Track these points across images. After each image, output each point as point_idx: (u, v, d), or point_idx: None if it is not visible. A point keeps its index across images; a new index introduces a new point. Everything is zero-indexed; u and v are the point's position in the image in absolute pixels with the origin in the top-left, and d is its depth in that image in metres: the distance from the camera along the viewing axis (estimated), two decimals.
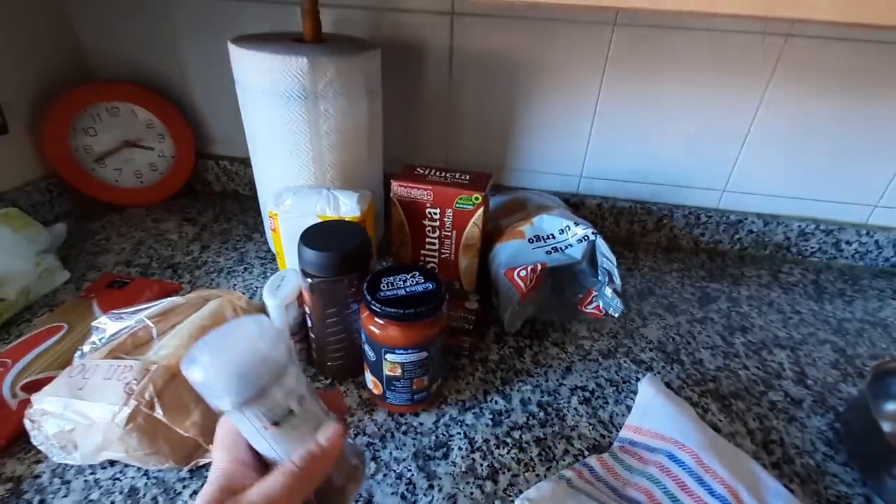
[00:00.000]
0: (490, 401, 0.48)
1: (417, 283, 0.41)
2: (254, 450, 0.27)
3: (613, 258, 0.50)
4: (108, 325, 0.44)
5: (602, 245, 0.50)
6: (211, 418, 0.38)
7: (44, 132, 0.70)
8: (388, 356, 0.41)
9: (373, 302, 0.39)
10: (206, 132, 0.81)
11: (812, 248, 0.74)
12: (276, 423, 0.26)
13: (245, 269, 0.65)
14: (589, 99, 0.69)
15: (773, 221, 0.73)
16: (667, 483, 0.37)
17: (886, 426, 0.45)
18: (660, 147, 0.71)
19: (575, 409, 0.48)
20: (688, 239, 0.77)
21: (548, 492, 0.38)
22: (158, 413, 0.36)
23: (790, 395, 0.51)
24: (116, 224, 0.74)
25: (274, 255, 0.68)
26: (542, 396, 0.49)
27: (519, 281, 0.48)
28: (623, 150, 0.72)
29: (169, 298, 0.45)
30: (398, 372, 0.42)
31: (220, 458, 0.27)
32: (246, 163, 0.81)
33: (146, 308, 0.45)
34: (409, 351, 0.40)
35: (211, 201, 0.82)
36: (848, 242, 0.73)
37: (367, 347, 0.42)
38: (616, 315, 0.50)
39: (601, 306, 0.50)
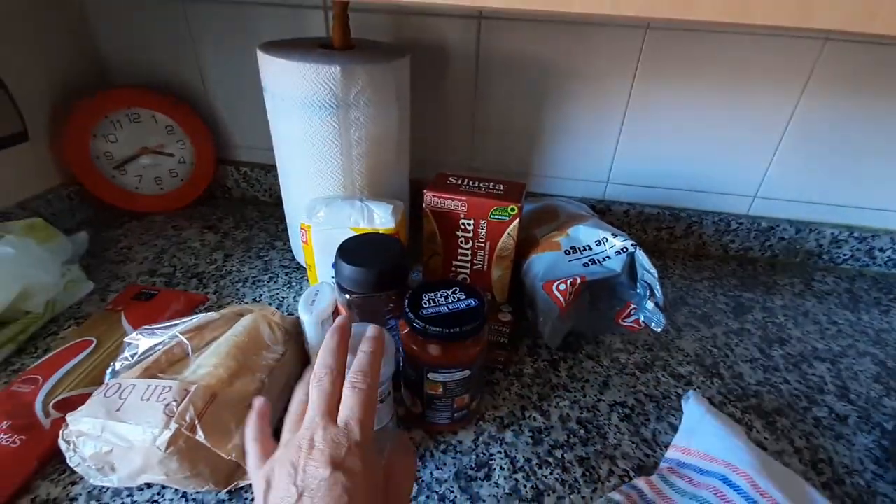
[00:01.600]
0: (528, 417, 0.47)
1: (459, 299, 0.40)
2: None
3: (655, 271, 0.48)
4: (140, 341, 0.43)
5: (643, 257, 0.49)
6: None
7: (64, 139, 0.69)
8: (431, 375, 0.40)
9: (415, 320, 0.38)
10: (227, 138, 0.80)
11: (845, 255, 0.73)
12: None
13: (270, 278, 0.64)
14: (618, 103, 0.67)
15: (805, 228, 0.71)
16: None
17: None
18: (689, 152, 0.69)
19: (616, 426, 0.46)
20: (717, 246, 0.75)
21: None
22: (200, 436, 0.35)
23: (834, 410, 0.50)
24: (137, 232, 0.73)
25: (298, 264, 0.67)
26: (582, 413, 0.48)
27: (558, 294, 0.47)
28: (651, 155, 0.71)
29: (203, 315, 0.44)
30: (440, 391, 0.41)
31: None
32: (266, 169, 0.80)
33: (179, 323, 0.44)
34: (453, 370, 0.39)
35: (231, 208, 0.81)
36: (881, 250, 0.71)
37: (406, 366, 0.41)
38: (659, 330, 0.49)
39: (641, 320, 0.49)
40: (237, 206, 0.82)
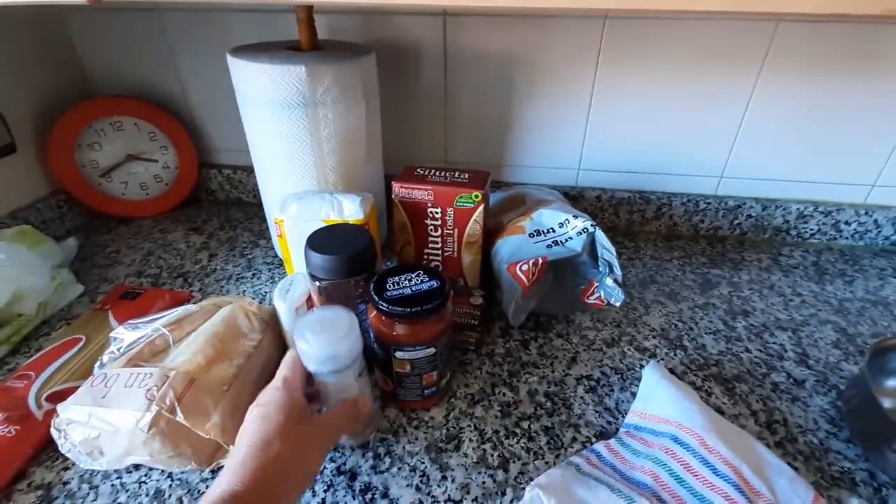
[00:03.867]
0: (498, 393, 0.49)
1: (422, 281, 0.43)
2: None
3: (613, 249, 0.51)
4: (125, 335, 0.46)
5: (602, 237, 0.51)
6: (230, 420, 0.40)
7: (50, 149, 0.72)
8: (398, 354, 0.42)
9: (380, 302, 0.41)
10: (208, 142, 0.82)
11: (811, 229, 0.75)
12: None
13: (253, 274, 0.67)
14: (584, 92, 0.69)
15: (771, 205, 0.74)
16: (672, 465, 0.38)
17: (886, 402, 0.46)
18: (656, 136, 0.72)
19: (581, 397, 0.49)
20: (687, 226, 0.77)
21: (557, 477, 0.39)
22: (180, 417, 0.38)
23: (793, 376, 0.52)
24: (125, 236, 0.76)
25: (281, 260, 0.69)
26: (549, 387, 0.50)
27: (521, 275, 0.49)
28: (620, 141, 0.73)
29: (182, 307, 0.47)
30: (408, 369, 0.43)
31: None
32: (248, 170, 0.83)
33: (161, 317, 0.46)
34: (418, 348, 0.42)
35: (216, 210, 0.83)
36: (847, 223, 0.73)
37: (376, 346, 0.44)
38: (618, 305, 0.51)
39: (603, 297, 0.52)
40: (222, 208, 0.84)
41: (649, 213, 0.77)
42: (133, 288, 0.61)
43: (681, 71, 0.66)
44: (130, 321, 0.47)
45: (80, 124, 0.72)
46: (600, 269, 0.51)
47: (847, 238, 0.75)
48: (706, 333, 0.57)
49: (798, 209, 0.73)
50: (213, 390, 0.40)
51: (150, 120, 0.76)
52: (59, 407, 0.40)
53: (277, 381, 0.36)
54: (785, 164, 0.72)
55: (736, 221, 0.76)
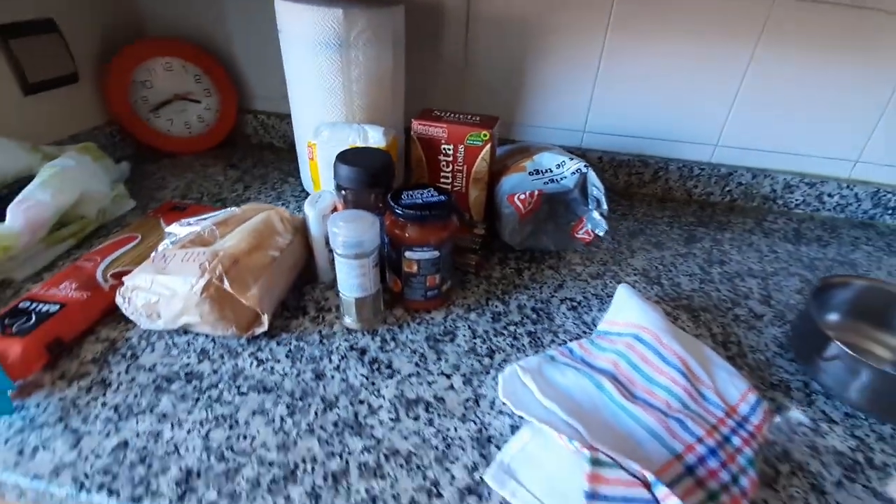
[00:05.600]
0: (491, 305, 0.57)
1: (432, 195, 0.50)
2: None
3: (602, 187, 0.57)
4: (178, 231, 0.54)
5: (593, 176, 0.58)
6: (266, 296, 0.48)
7: (108, 83, 0.80)
8: (407, 254, 0.50)
9: (395, 207, 0.48)
10: (248, 88, 0.90)
11: (797, 199, 0.80)
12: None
13: (283, 204, 0.75)
14: (592, 57, 0.75)
15: (760, 174, 0.79)
16: (630, 355, 0.46)
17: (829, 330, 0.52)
18: (657, 103, 0.78)
19: (563, 313, 0.56)
20: (682, 191, 0.83)
21: (534, 361, 0.46)
22: (226, 285, 0.46)
23: (754, 311, 0.58)
24: (170, 167, 0.84)
25: (307, 193, 0.77)
26: (536, 304, 0.57)
27: (518, 203, 0.56)
28: (623, 107, 0.79)
29: (228, 209, 0.55)
30: (414, 269, 0.51)
31: None
32: (281, 117, 0.90)
33: (210, 217, 0.54)
34: (424, 249, 0.49)
35: (250, 151, 0.92)
36: (830, 195, 0.79)
37: (389, 249, 0.51)
38: (602, 234, 0.58)
39: (590, 229, 0.58)
40: (255, 151, 0.92)
41: (647, 175, 0.83)
42: (180, 203, 0.69)
43: (683, 41, 0.72)
44: (183, 220, 0.55)
45: (135, 62, 0.81)
46: (590, 204, 0.58)
47: (829, 210, 0.80)
48: (683, 275, 0.64)
49: (785, 179, 0.79)
50: (252, 271, 0.48)
51: (198, 63, 0.84)
52: (126, 277, 0.49)
53: None
54: (776, 135, 0.77)
55: (727, 188, 0.82)
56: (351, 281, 0.47)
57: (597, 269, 0.64)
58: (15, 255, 0.55)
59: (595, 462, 0.33)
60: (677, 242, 0.71)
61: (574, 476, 0.36)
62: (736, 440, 0.40)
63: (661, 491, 0.33)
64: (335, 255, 0.47)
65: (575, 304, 0.58)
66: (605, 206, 0.57)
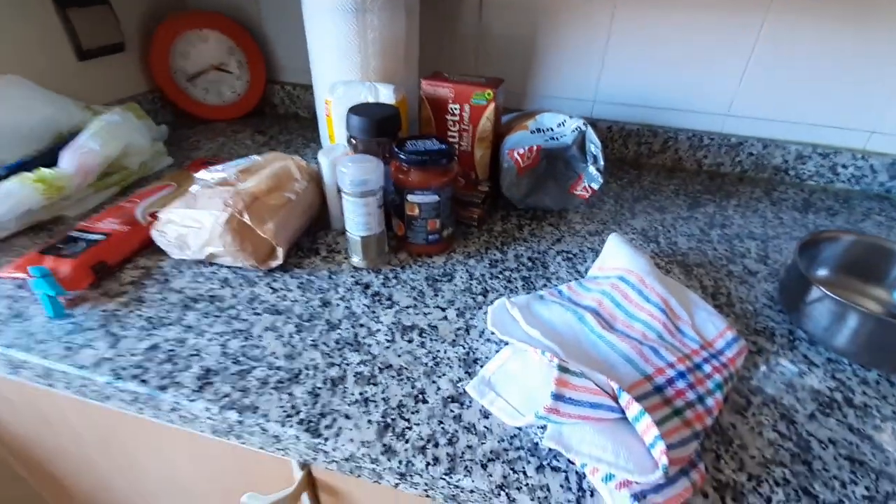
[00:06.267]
0: (490, 253, 0.60)
1: (434, 144, 0.54)
2: None
3: (599, 143, 0.60)
4: (207, 176, 0.60)
5: (591, 133, 0.60)
6: (280, 231, 0.53)
7: (151, 53, 0.87)
8: (410, 197, 0.54)
9: (400, 153, 0.52)
10: (275, 60, 0.96)
11: (809, 171, 0.80)
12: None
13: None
14: (602, 27, 0.77)
15: (771, 145, 0.79)
16: (614, 294, 0.48)
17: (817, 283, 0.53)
18: (667, 73, 0.79)
19: (558, 263, 0.59)
20: (691, 161, 0.84)
21: (523, 298, 0.50)
22: (246, 218, 0.51)
23: (749, 268, 0.60)
24: (204, 132, 0.91)
25: None
26: (533, 254, 0.60)
27: (518, 157, 0.59)
28: (633, 77, 0.80)
29: (251, 157, 0.61)
30: (416, 212, 0.55)
31: None
32: (306, 87, 0.96)
33: (235, 164, 0.60)
34: (426, 192, 0.53)
35: (277, 120, 0.98)
36: (844, 166, 0.78)
37: (394, 195, 0.55)
38: (597, 187, 0.60)
39: (587, 184, 0.61)
40: (282, 120, 0.98)
41: (656, 145, 0.84)
42: (211, 159, 0.76)
43: (694, 9, 0.72)
44: (211, 167, 0.61)
45: (176, 34, 0.88)
46: (587, 160, 0.61)
47: (843, 181, 0.79)
48: (681, 235, 0.65)
49: (797, 150, 0.78)
50: (269, 209, 0.54)
51: (231, 35, 0.90)
52: (160, 212, 0.55)
53: None
54: (788, 105, 0.77)
55: (737, 158, 0.82)
56: (357, 219, 0.52)
57: (596, 227, 0.66)
58: (68, 196, 0.62)
59: (563, 370, 0.36)
60: (680, 207, 0.73)
61: (547, 388, 0.39)
62: (707, 367, 0.42)
63: (625, 398, 0.36)
64: (343, 195, 0.51)
65: (570, 255, 0.60)
66: (601, 162, 0.59)
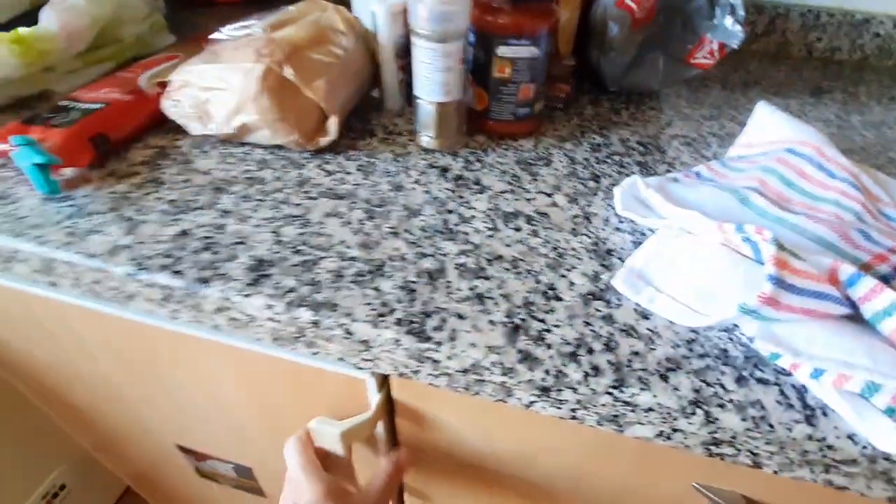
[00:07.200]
0: (588, 137, 0.48)
1: None
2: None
3: None
4: (229, 33, 0.46)
5: None
6: (332, 94, 0.41)
7: None
8: (500, 49, 0.41)
9: None
10: None
11: None
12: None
13: None
14: None
15: None
16: (783, 170, 0.37)
17: None
18: None
19: (677, 148, 0.47)
20: (801, 45, 0.70)
21: (654, 179, 0.38)
22: (288, 73, 0.39)
23: None
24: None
25: None
26: (642, 139, 0.48)
27: (632, 2, 0.46)
28: None
29: (282, 9, 0.47)
30: (507, 73, 0.42)
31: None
32: None
33: (264, 18, 0.46)
34: (522, 42, 0.40)
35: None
36: None
37: (475, 50, 0.42)
38: (737, 46, 0.47)
39: (713, 47, 0.48)
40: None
41: (760, 26, 0.70)
42: None
43: None
44: (235, 24, 0.47)
45: None
46: (718, 12, 0.47)
47: None
48: (816, 121, 0.53)
49: None
50: (315, 63, 0.41)
51: None
52: (173, 74, 0.42)
53: (302, 477, 0.33)
54: None
55: (858, 41, 0.68)
56: (434, 76, 0.39)
57: (709, 111, 0.54)
58: (53, 66, 0.49)
59: (781, 247, 0.25)
60: (801, 93, 0.60)
61: (730, 276, 0.28)
62: None
63: (867, 285, 0.26)
64: (414, 40, 0.38)
65: (690, 140, 0.48)
66: (741, 12, 0.46)
